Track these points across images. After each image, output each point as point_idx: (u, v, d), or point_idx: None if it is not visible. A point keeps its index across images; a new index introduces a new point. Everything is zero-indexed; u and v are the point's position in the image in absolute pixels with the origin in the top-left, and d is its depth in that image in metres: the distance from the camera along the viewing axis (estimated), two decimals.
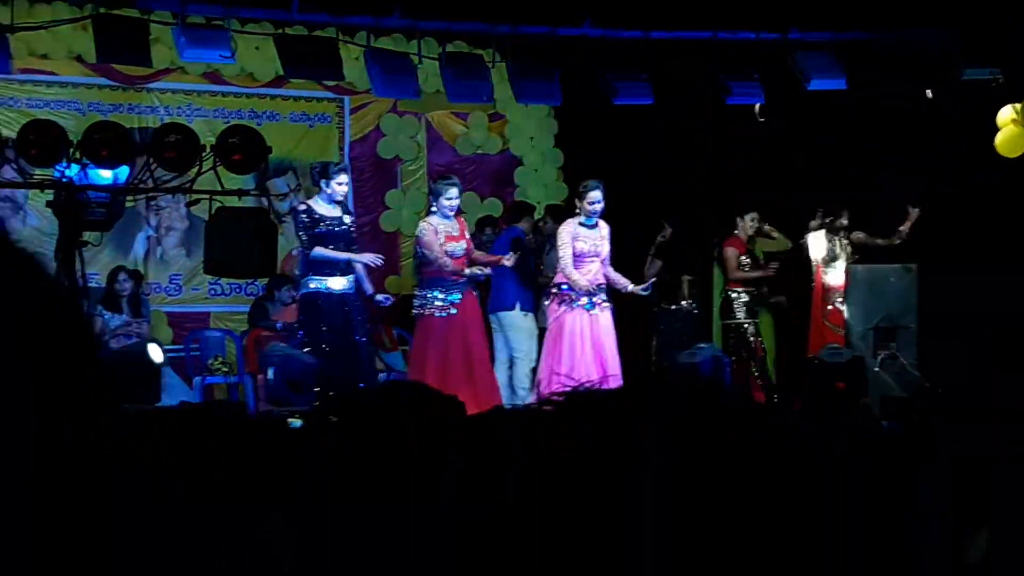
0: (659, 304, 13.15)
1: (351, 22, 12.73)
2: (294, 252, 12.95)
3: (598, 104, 12.83)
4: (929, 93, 12.65)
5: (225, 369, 12.93)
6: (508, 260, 11.34)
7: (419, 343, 11.22)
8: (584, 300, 10.97)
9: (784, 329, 13.44)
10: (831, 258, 12.82)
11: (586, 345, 10.93)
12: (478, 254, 11.40)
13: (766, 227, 13.18)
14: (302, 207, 10.90)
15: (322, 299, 10.65)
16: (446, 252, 10.91)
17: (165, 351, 12.17)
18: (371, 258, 10.83)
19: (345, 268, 10.79)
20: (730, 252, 13.04)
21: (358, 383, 10.39)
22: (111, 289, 12.57)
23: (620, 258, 11.39)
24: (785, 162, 13.55)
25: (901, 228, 12.74)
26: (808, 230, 13.07)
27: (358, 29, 12.90)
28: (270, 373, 10.86)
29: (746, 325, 12.89)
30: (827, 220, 12.81)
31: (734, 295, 13.00)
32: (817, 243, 12.94)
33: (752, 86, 12.71)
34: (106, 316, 12.23)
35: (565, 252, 10.99)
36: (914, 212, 12.61)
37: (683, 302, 13.43)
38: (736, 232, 13.09)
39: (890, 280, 11.81)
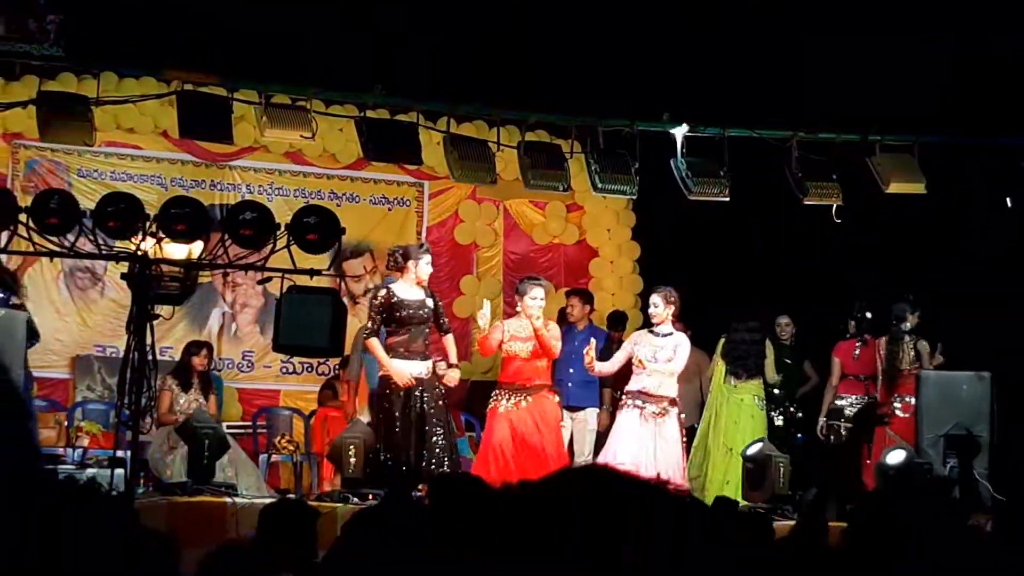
0: None
1: (433, 107, 12.83)
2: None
3: (674, 198, 12.77)
4: (1009, 202, 12.45)
5: (291, 448, 12.95)
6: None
7: (486, 433, 11.15)
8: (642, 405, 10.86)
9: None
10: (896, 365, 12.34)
11: (643, 448, 10.77)
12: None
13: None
14: (382, 289, 10.84)
15: (393, 384, 10.57)
16: (508, 351, 10.85)
17: (231, 428, 12.25)
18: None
19: (423, 351, 10.67)
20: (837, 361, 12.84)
21: (421, 472, 10.27)
22: (184, 363, 12.48)
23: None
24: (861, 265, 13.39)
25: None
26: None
27: (440, 115, 13.01)
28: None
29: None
30: (894, 325, 12.48)
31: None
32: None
33: (830, 187, 12.56)
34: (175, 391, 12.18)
35: (617, 354, 11.14)
36: (939, 357, 12.34)
37: None
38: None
39: (963, 388, 11.56)
